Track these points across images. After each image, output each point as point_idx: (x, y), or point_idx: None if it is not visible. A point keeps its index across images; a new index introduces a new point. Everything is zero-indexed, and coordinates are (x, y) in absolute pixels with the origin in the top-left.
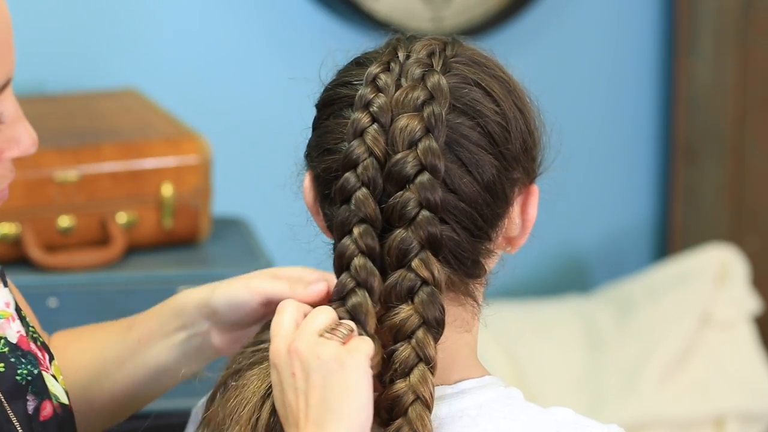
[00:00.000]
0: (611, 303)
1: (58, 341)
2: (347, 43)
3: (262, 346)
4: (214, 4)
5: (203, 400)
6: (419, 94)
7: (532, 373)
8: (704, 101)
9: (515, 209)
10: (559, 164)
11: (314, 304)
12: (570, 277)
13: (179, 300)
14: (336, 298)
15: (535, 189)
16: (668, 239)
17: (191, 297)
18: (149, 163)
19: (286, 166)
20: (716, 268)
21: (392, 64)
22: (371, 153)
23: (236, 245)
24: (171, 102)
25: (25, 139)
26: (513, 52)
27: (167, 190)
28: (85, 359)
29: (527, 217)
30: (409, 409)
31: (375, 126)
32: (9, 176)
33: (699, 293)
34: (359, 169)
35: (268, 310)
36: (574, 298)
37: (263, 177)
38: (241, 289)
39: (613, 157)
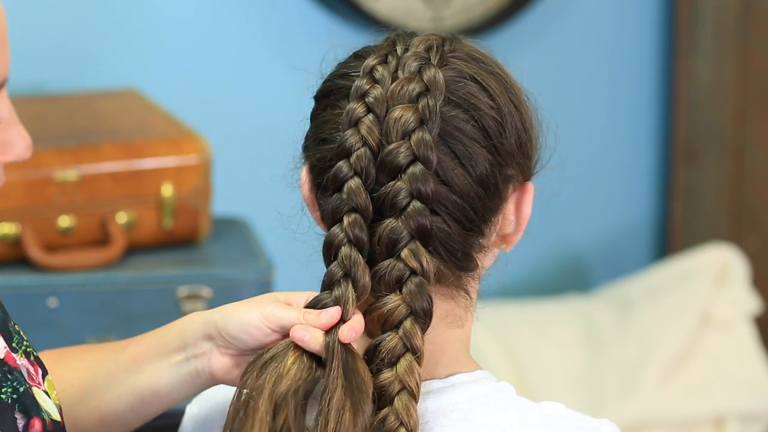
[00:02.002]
0: (611, 303)
1: (48, 359)
2: (347, 43)
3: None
4: (214, 5)
5: (197, 399)
6: (415, 87)
7: (532, 372)
8: (704, 101)
9: (510, 206)
10: (559, 164)
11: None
12: (570, 277)
13: (185, 321)
14: (324, 288)
15: (530, 187)
16: (668, 239)
17: (198, 317)
18: (149, 163)
19: (287, 165)
20: (716, 268)
21: (389, 57)
22: (365, 143)
23: (236, 245)
24: (171, 102)
25: (19, 143)
26: (513, 53)
27: (167, 190)
28: (74, 378)
29: (522, 215)
30: (395, 399)
31: (370, 116)
32: (1, 180)
33: (699, 293)
34: (352, 158)
35: (279, 337)
36: (574, 298)
37: (263, 177)
38: (254, 317)
39: (613, 157)
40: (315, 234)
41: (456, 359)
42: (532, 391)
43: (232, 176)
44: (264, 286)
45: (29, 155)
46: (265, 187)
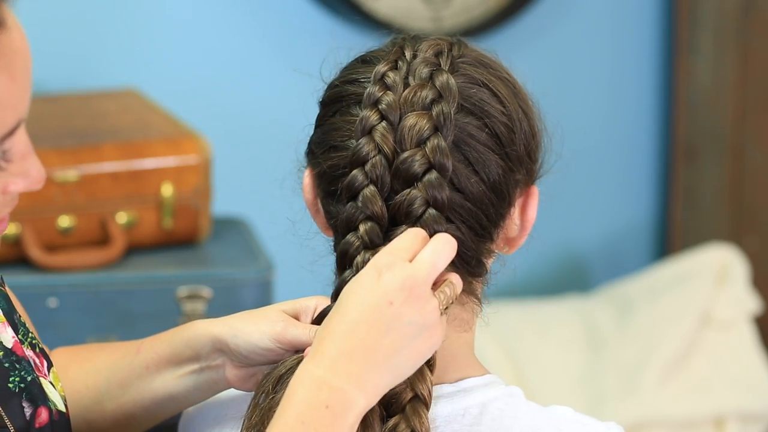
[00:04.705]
0: (611, 303)
1: (60, 359)
2: (347, 43)
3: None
4: (214, 5)
5: (195, 406)
6: (428, 93)
7: (532, 373)
8: (704, 101)
9: (515, 210)
10: (559, 164)
11: None
12: (570, 277)
13: (192, 331)
14: (336, 293)
15: (535, 190)
16: (668, 239)
17: (206, 331)
18: (149, 163)
19: (287, 166)
20: (716, 268)
21: (400, 63)
22: (380, 150)
23: (236, 245)
24: (171, 102)
25: (33, 174)
26: (513, 53)
27: (167, 190)
28: (89, 380)
29: (527, 218)
30: (407, 407)
31: (384, 124)
32: (12, 204)
33: (699, 293)
34: (368, 167)
35: (292, 352)
36: (574, 298)
37: (263, 177)
38: (266, 340)
39: (613, 157)
40: (318, 237)
41: (465, 363)
42: (533, 391)
43: (232, 176)
44: (264, 286)
45: (41, 186)
46: (265, 187)
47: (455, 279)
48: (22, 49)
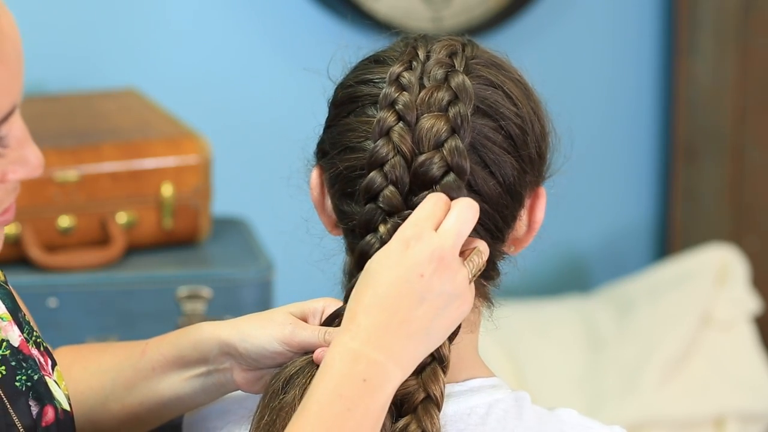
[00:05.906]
0: (611, 303)
1: (63, 359)
2: (347, 42)
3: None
4: (214, 5)
5: (199, 410)
6: (444, 95)
7: (532, 373)
8: (704, 101)
9: (524, 211)
10: (559, 164)
11: None
12: (570, 277)
13: (199, 334)
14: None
15: (542, 191)
16: (668, 239)
17: (213, 334)
18: (149, 163)
19: (287, 165)
20: (716, 268)
21: (414, 63)
22: (398, 152)
23: (236, 245)
24: (171, 102)
25: (31, 161)
26: (512, 53)
27: (167, 190)
28: (93, 381)
29: (535, 219)
30: (419, 407)
31: (401, 125)
32: (14, 193)
33: (699, 293)
34: (386, 168)
35: (301, 354)
36: (574, 298)
37: (263, 177)
38: (275, 343)
39: (613, 157)
40: (317, 237)
41: (472, 364)
42: (533, 392)
43: (232, 176)
44: (264, 286)
45: (41, 172)
46: (265, 187)
47: (482, 246)
48: (11, 34)
